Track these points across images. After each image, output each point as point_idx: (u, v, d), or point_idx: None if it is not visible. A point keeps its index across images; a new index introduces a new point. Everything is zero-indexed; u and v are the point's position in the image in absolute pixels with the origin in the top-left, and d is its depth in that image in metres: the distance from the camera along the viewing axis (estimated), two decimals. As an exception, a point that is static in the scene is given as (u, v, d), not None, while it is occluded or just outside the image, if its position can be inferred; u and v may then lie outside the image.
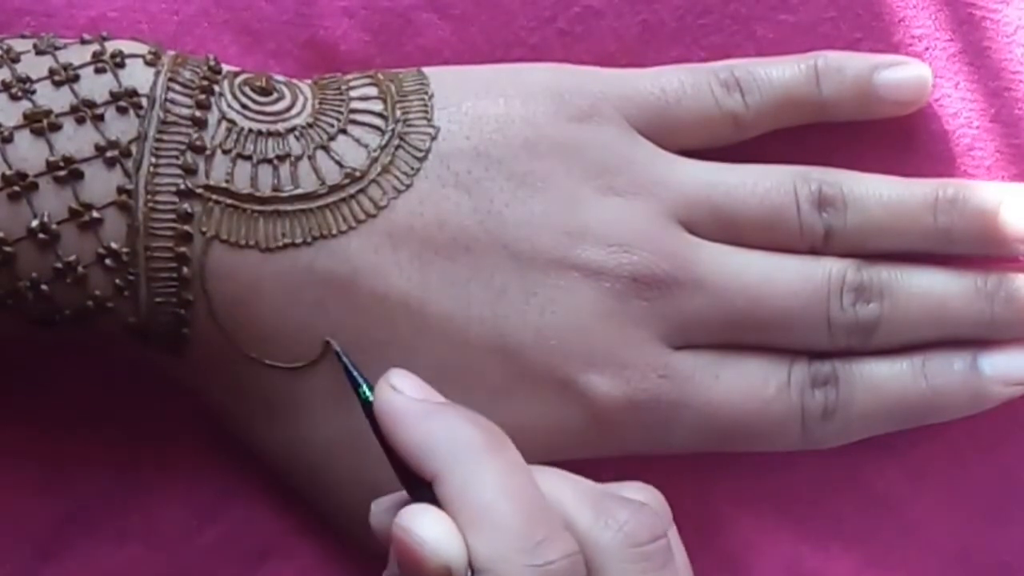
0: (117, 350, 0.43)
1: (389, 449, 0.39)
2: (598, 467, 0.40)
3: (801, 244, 0.45)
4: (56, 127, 0.41)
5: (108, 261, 0.41)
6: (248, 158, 0.42)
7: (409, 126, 0.43)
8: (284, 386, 0.43)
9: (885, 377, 0.46)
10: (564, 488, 0.40)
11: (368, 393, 0.40)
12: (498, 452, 0.38)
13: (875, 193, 0.46)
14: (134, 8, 0.47)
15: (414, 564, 0.37)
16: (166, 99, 0.42)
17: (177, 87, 0.42)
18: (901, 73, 0.46)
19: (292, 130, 0.43)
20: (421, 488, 0.38)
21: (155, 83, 0.42)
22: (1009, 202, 0.46)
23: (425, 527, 0.37)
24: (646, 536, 0.39)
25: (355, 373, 0.41)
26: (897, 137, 0.47)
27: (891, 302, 0.45)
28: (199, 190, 0.41)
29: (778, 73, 0.46)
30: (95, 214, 0.41)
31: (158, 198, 0.41)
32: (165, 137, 0.41)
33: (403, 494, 0.40)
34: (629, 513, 0.39)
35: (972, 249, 0.46)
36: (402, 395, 0.39)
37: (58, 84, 0.41)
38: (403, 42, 0.47)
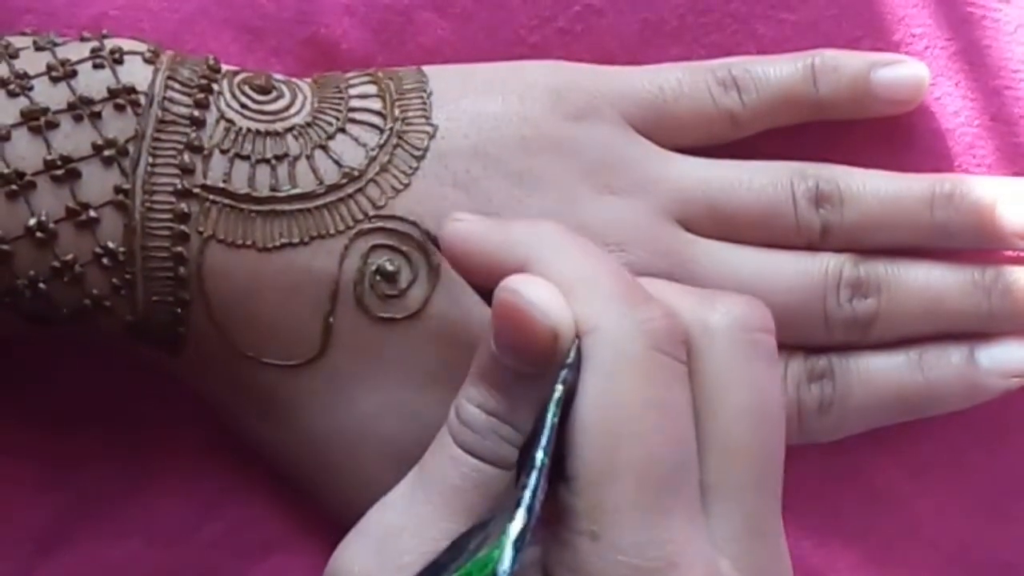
0: (115, 348, 0.43)
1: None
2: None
3: (798, 240, 0.45)
4: (53, 125, 0.41)
5: (105, 260, 0.41)
6: (246, 158, 0.42)
7: (408, 124, 0.43)
8: (282, 384, 0.43)
9: (882, 370, 0.46)
10: (661, 283, 0.39)
11: None
12: (580, 238, 0.38)
13: (872, 189, 0.46)
14: (135, 6, 0.47)
15: (521, 329, 0.36)
16: (164, 97, 0.42)
17: (176, 85, 0.42)
18: (898, 72, 0.46)
19: (291, 129, 0.43)
20: None
21: (153, 81, 0.42)
22: (1006, 196, 0.46)
23: (533, 290, 0.36)
24: (758, 323, 0.38)
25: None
26: (897, 136, 0.47)
27: (888, 297, 0.45)
28: (196, 190, 0.41)
29: (775, 71, 0.46)
30: (92, 213, 0.41)
31: (155, 198, 0.41)
32: (163, 136, 0.41)
33: None
34: (741, 301, 0.38)
35: (969, 244, 0.46)
36: (469, 220, 0.39)
37: (55, 80, 0.41)
38: (404, 40, 0.47)
